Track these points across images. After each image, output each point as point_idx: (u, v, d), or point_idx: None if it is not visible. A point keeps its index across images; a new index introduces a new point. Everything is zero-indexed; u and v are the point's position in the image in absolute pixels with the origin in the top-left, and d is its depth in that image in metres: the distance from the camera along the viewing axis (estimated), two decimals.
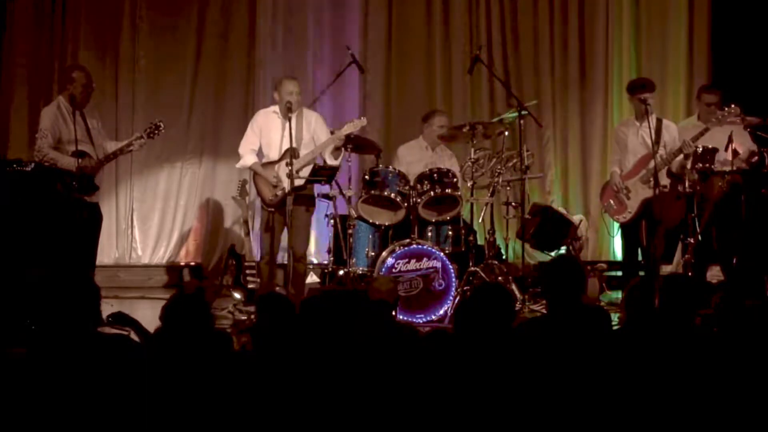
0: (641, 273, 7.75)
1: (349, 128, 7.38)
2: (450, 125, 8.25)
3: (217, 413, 3.74)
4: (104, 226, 7.73)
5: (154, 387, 3.78)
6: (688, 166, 7.65)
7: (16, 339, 5.68)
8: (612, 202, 7.91)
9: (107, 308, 7.02)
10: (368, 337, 4.15)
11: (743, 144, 7.90)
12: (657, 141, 7.62)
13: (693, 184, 7.72)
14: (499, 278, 7.65)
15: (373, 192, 7.53)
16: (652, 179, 7.53)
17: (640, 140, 7.79)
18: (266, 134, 7.50)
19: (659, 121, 7.74)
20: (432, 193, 7.51)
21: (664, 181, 7.65)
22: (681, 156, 7.63)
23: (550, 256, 8.43)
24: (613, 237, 8.76)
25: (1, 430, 3.71)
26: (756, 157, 7.77)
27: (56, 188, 6.90)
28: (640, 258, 7.91)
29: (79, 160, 7.04)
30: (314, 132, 7.48)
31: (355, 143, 7.69)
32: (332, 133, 7.48)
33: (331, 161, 7.43)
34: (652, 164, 7.53)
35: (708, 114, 7.91)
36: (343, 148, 7.45)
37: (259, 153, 7.56)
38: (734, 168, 7.73)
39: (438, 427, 3.70)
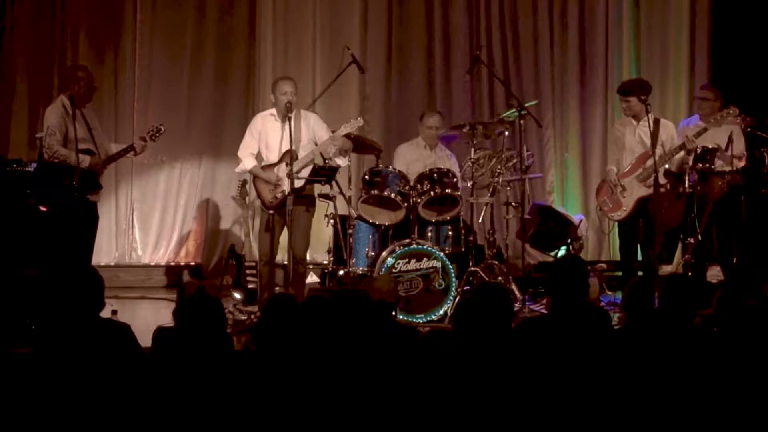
0: (640, 273, 7.75)
1: (346, 128, 7.38)
2: (444, 125, 8.26)
3: (220, 412, 3.74)
4: (104, 226, 7.73)
5: (162, 385, 3.79)
6: (690, 162, 7.65)
7: (16, 339, 5.69)
8: (607, 199, 7.91)
9: (107, 308, 7.06)
10: (369, 337, 4.16)
11: (738, 145, 7.93)
12: (654, 140, 7.62)
13: (693, 184, 7.73)
14: (499, 278, 7.65)
15: (373, 192, 7.53)
16: (649, 178, 7.54)
17: (637, 139, 7.78)
18: (265, 138, 7.49)
19: (657, 121, 7.75)
20: (432, 193, 7.52)
21: (661, 180, 7.64)
22: (682, 153, 7.64)
23: (550, 256, 8.44)
24: (606, 234, 8.79)
25: (11, 421, 3.73)
26: (744, 157, 7.81)
27: (63, 185, 6.89)
28: (639, 257, 7.92)
29: (89, 158, 7.07)
30: (314, 132, 7.47)
31: (355, 144, 7.69)
32: (332, 133, 7.49)
33: (341, 162, 7.43)
34: (649, 163, 7.54)
35: (702, 110, 8.00)
36: (343, 148, 7.47)
37: (258, 157, 7.55)
38: (734, 168, 7.74)
39: (438, 427, 3.70)
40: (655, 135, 7.62)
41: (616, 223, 8.01)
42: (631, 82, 8.10)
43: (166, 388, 3.78)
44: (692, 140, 7.57)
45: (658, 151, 7.60)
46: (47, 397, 3.78)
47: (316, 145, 7.40)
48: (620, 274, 8.25)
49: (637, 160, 7.76)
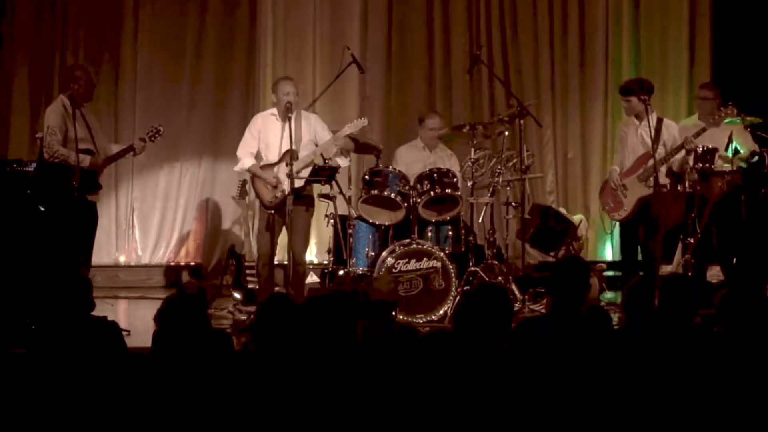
0: (640, 273, 7.74)
1: (349, 128, 7.39)
2: (444, 126, 8.26)
3: (216, 413, 3.74)
4: (104, 226, 7.73)
5: (153, 387, 3.79)
6: (690, 162, 7.65)
7: (16, 339, 5.69)
8: (609, 200, 7.92)
9: (107, 308, 7.08)
10: (368, 337, 4.16)
11: (744, 143, 7.93)
12: (656, 140, 7.63)
13: (693, 184, 7.73)
14: (499, 278, 7.64)
15: (373, 192, 7.54)
16: (650, 178, 7.54)
17: (639, 139, 7.79)
18: (265, 137, 7.49)
19: (659, 121, 7.75)
20: (432, 193, 7.52)
21: (663, 180, 7.65)
22: (682, 153, 7.64)
23: (550, 256, 8.44)
24: (609, 234, 8.79)
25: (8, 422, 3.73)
26: (756, 157, 7.79)
27: (63, 185, 6.88)
28: (639, 257, 7.92)
29: (89, 158, 7.07)
30: (316, 132, 7.47)
31: (355, 144, 7.69)
32: (334, 133, 7.48)
33: (342, 162, 7.44)
34: (650, 163, 7.54)
35: (702, 109, 8.00)
36: (344, 149, 7.46)
37: (258, 157, 7.54)
38: (734, 168, 7.74)
39: (438, 427, 3.70)
40: (657, 135, 7.63)
41: (618, 223, 8.02)
42: (632, 81, 8.11)
43: (157, 388, 3.79)
44: (691, 140, 7.58)
45: (660, 151, 7.61)
46: (39, 395, 3.79)
47: (316, 145, 7.41)
48: (620, 274, 8.25)
49: (637, 160, 7.77)
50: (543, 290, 7.71)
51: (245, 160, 7.49)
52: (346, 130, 7.38)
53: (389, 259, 7.31)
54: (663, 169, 7.63)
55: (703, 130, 7.67)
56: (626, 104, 7.82)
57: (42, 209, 6.75)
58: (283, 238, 7.48)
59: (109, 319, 4.58)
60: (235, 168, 7.78)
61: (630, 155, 7.84)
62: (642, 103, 7.61)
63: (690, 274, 7.54)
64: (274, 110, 7.50)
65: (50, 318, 4.23)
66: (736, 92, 8.49)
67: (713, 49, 9.88)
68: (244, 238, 8.83)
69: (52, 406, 3.76)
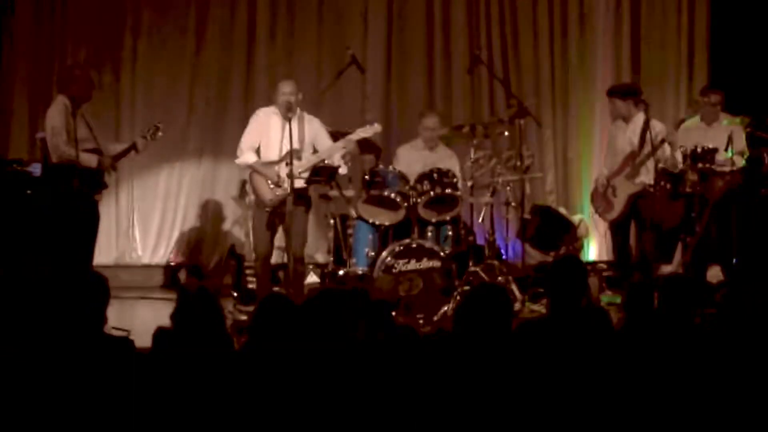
0: (635, 272, 7.75)
1: (363, 133, 7.37)
2: (442, 125, 8.26)
3: (218, 413, 3.74)
4: (104, 226, 7.71)
5: (161, 386, 3.79)
6: (679, 158, 7.66)
7: (16, 339, 5.68)
8: (600, 202, 7.95)
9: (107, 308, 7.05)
10: (368, 337, 4.16)
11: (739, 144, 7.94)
12: (643, 140, 7.65)
13: (693, 184, 7.74)
14: (499, 278, 7.65)
15: (373, 192, 7.53)
16: (637, 175, 7.59)
17: (627, 141, 7.83)
18: (266, 134, 7.46)
19: (646, 122, 7.75)
20: (432, 193, 7.52)
21: (649, 177, 7.62)
22: (669, 150, 7.65)
23: (550, 256, 8.45)
24: (602, 235, 8.81)
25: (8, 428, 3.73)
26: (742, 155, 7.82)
27: (65, 185, 6.86)
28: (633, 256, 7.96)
29: (98, 157, 7.07)
30: (316, 136, 7.42)
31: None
32: (335, 135, 7.46)
33: (342, 169, 7.40)
34: (637, 161, 7.59)
35: (712, 114, 7.99)
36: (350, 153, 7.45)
37: (257, 152, 7.53)
38: (734, 168, 7.75)
39: (438, 428, 3.70)
40: (644, 133, 7.64)
41: (609, 224, 8.05)
42: (617, 85, 8.25)
43: (164, 389, 3.78)
44: (673, 132, 7.64)
45: (645, 151, 7.62)
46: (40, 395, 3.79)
47: (315, 149, 7.38)
48: (619, 273, 8.26)
49: (624, 160, 7.80)
50: (542, 290, 7.73)
51: (248, 154, 7.41)
52: (360, 134, 7.36)
53: (389, 259, 7.31)
54: (650, 166, 7.60)
55: (682, 121, 7.73)
56: (611, 106, 7.91)
57: (43, 209, 6.76)
58: (279, 239, 7.47)
59: (109, 319, 4.55)
60: (237, 161, 7.67)
61: (618, 157, 7.87)
62: (627, 106, 7.70)
63: (690, 274, 7.55)
64: (276, 109, 7.46)
65: (59, 320, 4.13)
66: (735, 92, 8.50)
67: (712, 49, 9.88)
68: (244, 238, 8.83)
69: (54, 405, 3.76)
